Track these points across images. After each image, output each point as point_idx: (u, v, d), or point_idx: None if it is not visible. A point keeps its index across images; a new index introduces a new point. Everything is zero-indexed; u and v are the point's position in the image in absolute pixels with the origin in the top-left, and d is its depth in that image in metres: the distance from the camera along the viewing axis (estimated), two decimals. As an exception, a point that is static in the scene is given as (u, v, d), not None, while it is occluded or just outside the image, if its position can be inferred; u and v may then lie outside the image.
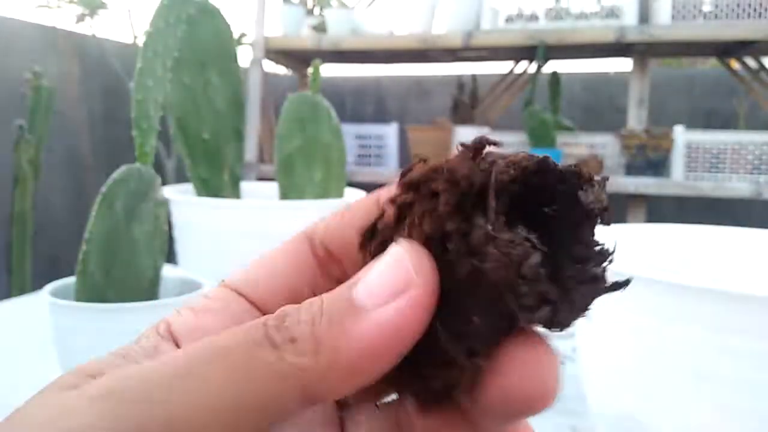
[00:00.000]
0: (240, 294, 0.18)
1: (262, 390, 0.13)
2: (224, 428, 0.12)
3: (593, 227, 0.14)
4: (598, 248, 0.14)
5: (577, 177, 0.14)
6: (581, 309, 0.14)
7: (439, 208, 0.13)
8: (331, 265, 0.18)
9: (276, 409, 0.13)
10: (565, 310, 0.13)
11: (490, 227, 0.13)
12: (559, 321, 0.13)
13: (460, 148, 0.14)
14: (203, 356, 0.13)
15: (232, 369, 0.13)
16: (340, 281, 0.15)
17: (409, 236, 0.14)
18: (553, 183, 0.14)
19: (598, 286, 0.14)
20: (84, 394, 0.13)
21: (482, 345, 0.14)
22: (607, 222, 0.14)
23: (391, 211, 0.15)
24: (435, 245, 0.14)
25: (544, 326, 0.14)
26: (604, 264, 0.14)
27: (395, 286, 0.13)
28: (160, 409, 0.12)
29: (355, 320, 0.13)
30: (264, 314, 0.16)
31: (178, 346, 0.17)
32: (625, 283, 0.14)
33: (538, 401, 0.13)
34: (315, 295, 0.15)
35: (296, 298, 0.16)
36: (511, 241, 0.13)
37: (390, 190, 0.16)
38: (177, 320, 0.17)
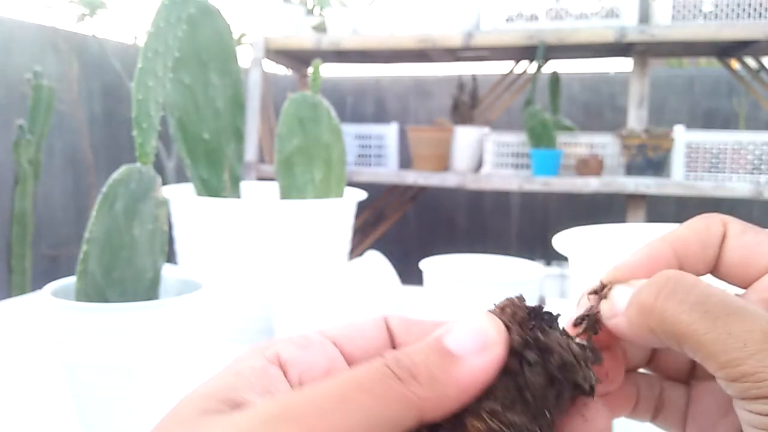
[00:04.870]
0: (334, 343, 0.22)
1: (394, 411, 0.17)
2: None
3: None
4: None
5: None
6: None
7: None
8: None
9: (399, 426, 0.18)
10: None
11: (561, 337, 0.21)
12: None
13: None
14: (350, 387, 0.18)
15: (375, 397, 0.17)
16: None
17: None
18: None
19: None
20: (255, 418, 0.17)
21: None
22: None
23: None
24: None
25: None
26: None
27: (480, 343, 0.19)
28: (329, 426, 0.17)
29: (456, 365, 0.19)
30: (349, 364, 0.22)
31: (284, 371, 0.21)
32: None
33: None
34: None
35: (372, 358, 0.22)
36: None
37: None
38: (285, 350, 0.21)
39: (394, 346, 0.23)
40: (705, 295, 0.20)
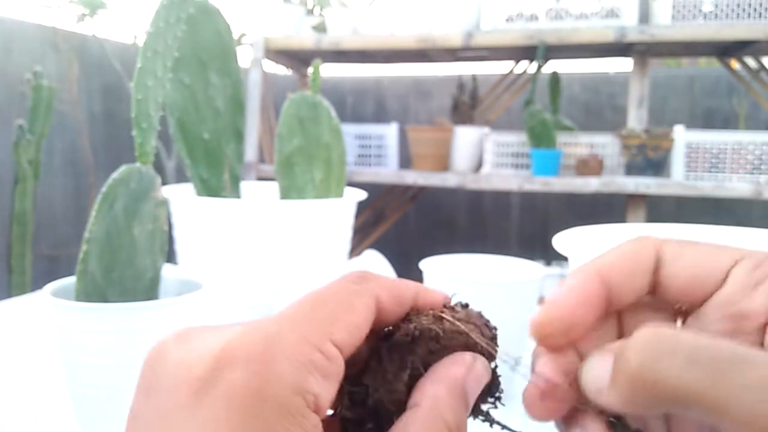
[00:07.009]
0: (341, 351, 0.22)
1: None
2: None
3: None
4: None
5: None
6: None
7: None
8: None
9: None
10: None
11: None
12: None
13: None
14: None
15: None
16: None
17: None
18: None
19: None
20: None
21: None
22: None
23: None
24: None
25: None
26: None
27: None
28: None
29: None
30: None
31: (320, 417, 0.20)
32: None
33: None
34: None
35: None
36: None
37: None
38: (322, 393, 0.20)
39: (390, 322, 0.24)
40: (693, 349, 0.18)
